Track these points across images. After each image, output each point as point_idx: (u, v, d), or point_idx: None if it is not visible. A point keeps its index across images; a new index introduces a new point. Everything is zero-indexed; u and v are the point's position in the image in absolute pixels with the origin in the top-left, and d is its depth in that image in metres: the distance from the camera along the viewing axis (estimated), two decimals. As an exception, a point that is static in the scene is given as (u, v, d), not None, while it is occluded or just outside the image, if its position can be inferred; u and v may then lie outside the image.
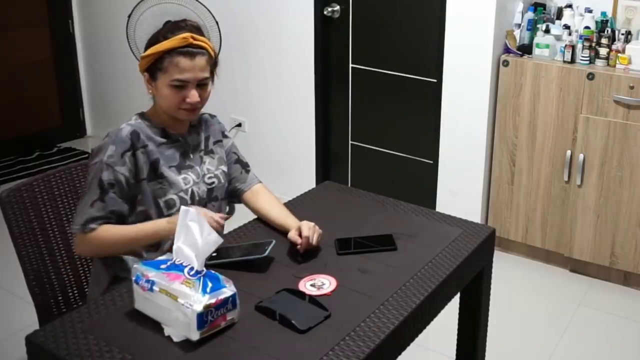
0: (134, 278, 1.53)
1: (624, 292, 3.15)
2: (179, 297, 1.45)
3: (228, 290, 1.50)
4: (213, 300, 1.45)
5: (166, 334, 1.48)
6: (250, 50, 4.00)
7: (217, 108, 4.30)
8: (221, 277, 1.53)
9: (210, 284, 1.48)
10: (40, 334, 1.49)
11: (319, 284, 1.68)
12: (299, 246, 1.82)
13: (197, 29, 1.89)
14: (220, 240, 1.55)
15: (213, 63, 1.92)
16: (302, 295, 1.62)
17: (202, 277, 1.48)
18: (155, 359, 1.42)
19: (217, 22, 3.55)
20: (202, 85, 1.87)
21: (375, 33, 3.63)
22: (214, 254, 1.78)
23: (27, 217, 1.95)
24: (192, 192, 1.92)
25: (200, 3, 3.49)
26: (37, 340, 1.47)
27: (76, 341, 1.46)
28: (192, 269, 1.50)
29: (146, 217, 1.86)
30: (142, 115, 1.93)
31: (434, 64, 3.42)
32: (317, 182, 3.82)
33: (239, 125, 4.15)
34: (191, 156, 1.96)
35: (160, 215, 1.87)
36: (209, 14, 3.52)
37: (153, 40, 1.86)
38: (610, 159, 3.01)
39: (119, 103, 4.78)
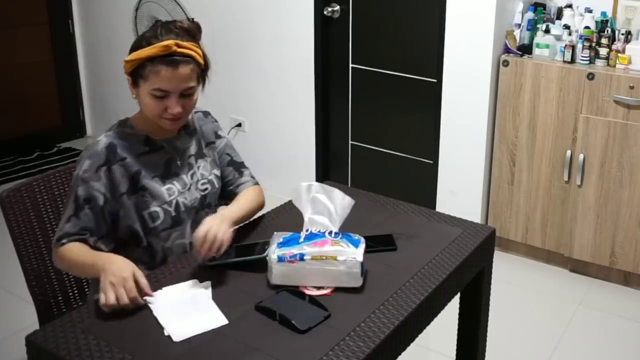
0: (275, 259, 1.62)
1: (624, 292, 3.15)
2: (337, 256, 1.62)
3: (363, 243, 1.70)
4: (363, 251, 1.67)
5: (166, 334, 1.48)
6: (250, 50, 4.00)
7: (217, 108, 4.31)
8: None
9: (354, 239, 1.69)
10: (40, 334, 1.49)
11: (319, 284, 1.69)
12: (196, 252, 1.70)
13: (187, 32, 1.80)
14: (353, 202, 1.73)
15: (202, 69, 1.83)
16: (302, 295, 1.61)
17: (343, 237, 1.68)
18: (155, 359, 1.42)
19: (190, 22, 3.49)
20: (186, 95, 1.78)
21: (375, 33, 3.63)
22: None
23: (27, 217, 1.94)
24: (177, 203, 1.85)
25: (177, 3, 3.46)
26: (37, 340, 1.47)
27: (76, 341, 1.46)
28: (330, 232, 1.68)
29: (131, 232, 1.81)
30: (124, 122, 1.86)
31: (434, 64, 3.42)
32: (317, 182, 3.81)
33: (239, 125, 4.15)
34: (178, 163, 1.88)
35: (145, 228, 1.81)
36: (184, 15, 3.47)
37: (137, 44, 1.77)
38: (610, 159, 3.01)
39: (119, 103, 4.78)
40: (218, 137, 2.02)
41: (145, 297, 1.57)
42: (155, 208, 1.81)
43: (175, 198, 1.85)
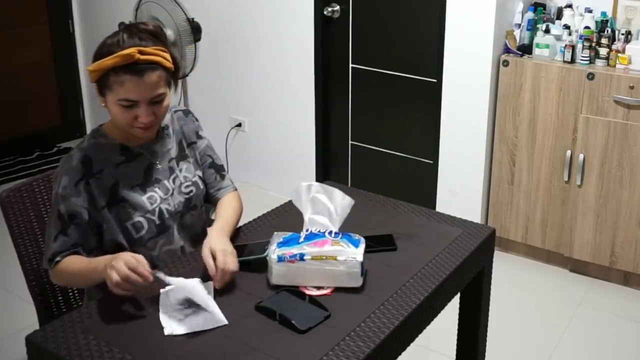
0: (275, 259, 1.62)
1: (624, 292, 3.15)
2: (337, 256, 1.62)
3: (363, 243, 1.70)
4: (363, 251, 1.66)
5: (166, 333, 1.48)
6: (251, 50, 4.00)
7: (218, 108, 4.32)
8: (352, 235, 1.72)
9: (354, 239, 1.69)
10: (40, 334, 1.49)
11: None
12: (213, 275, 1.63)
13: (153, 35, 1.72)
14: (353, 201, 1.73)
15: (172, 72, 1.75)
16: (302, 295, 1.62)
17: (343, 237, 1.68)
18: (155, 359, 1.42)
19: (191, 27, 3.46)
20: (156, 102, 1.71)
21: (375, 33, 3.63)
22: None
23: (27, 217, 1.94)
24: (160, 211, 1.81)
25: (177, 3, 3.45)
26: (37, 340, 1.47)
27: (76, 341, 1.46)
28: (330, 232, 1.68)
29: (116, 245, 1.76)
30: (97, 132, 1.80)
31: (434, 64, 3.42)
32: (317, 182, 3.81)
33: (239, 125, 4.15)
34: (159, 167, 1.83)
35: (130, 239, 1.77)
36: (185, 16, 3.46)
37: (99, 52, 1.68)
38: (610, 159, 3.01)
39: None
40: (199, 137, 1.97)
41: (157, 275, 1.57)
42: (138, 218, 1.78)
43: (157, 206, 1.81)
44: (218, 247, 1.67)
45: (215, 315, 1.54)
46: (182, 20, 3.43)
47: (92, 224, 1.75)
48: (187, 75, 3.60)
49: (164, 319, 1.52)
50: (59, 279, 1.77)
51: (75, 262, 1.71)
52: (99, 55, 1.69)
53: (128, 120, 1.71)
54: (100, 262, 1.62)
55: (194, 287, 1.59)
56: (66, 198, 1.71)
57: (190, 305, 1.58)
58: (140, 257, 1.58)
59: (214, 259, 1.65)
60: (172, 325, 1.50)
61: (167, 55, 1.73)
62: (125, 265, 1.53)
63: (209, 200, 1.99)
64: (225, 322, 1.52)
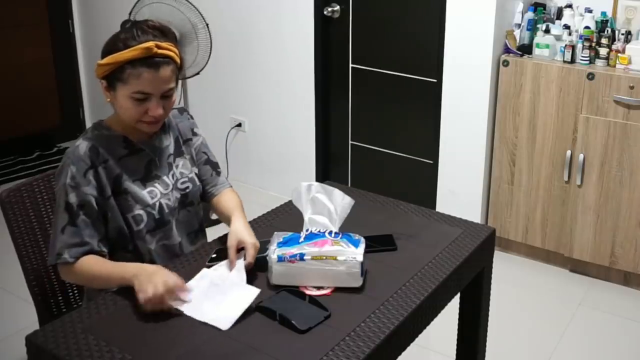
0: (275, 259, 1.63)
1: (624, 292, 3.15)
2: (337, 256, 1.62)
3: (363, 243, 1.70)
4: (363, 251, 1.66)
5: (225, 328, 1.50)
6: (251, 50, 4.00)
7: (217, 108, 4.32)
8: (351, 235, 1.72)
9: (354, 239, 1.69)
10: (40, 334, 1.49)
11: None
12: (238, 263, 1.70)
13: (161, 32, 1.75)
14: (353, 201, 1.75)
15: (178, 70, 1.78)
16: (302, 295, 1.62)
17: (343, 237, 1.68)
18: (155, 359, 1.42)
19: (207, 24, 3.51)
20: (166, 96, 1.75)
21: (375, 33, 3.63)
22: (214, 255, 1.78)
23: (27, 217, 1.94)
24: (160, 205, 1.82)
25: (191, 4, 3.46)
26: (37, 340, 1.47)
27: (76, 341, 1.46)
28: (330, 232, 1.69)
29: (119, 233, 1.78)
30: (99, 125, 1.82)
31: (434, 64, 3.42)
32: (317, 182, 3.81)
33: (239, 125, 4.15)
34: (158, 164, 1.85)
35: (130, 230, 1.79)
36: (200, 16, 3.48)
37: (111, 46, 1.71)
38: (610, 159, 3.01)
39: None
40: (194, 134, 1.99)
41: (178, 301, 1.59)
42: (138, 211, 1.79)
43: (158, 200, 1.83)
44: (248, 240, 1.73)
45: (248, 288, 1.58)
46: (194, 19, 3.44)
47: (100, 213, 1.75)
48: (198, 74, 3.60)
49: (209, 318, 1.52)
50: (72, 277, 1.76)
51: (97, 264, 1.71)
52: (112, 49, 1.71)
53: (138, 114, 1.74)
54: (130, 270, 1.63)
55: (221, 275, 1.67)
56: (75, 187, 1.71)
57: (218, 291, 1.60)
58: (178, 280, 1.60)
59: (240, 249, 1.72)
60: (222, 319, 1.51)
61: (177, 51, 1.77)
62: (162, 286, 1.55)
63: (204, 197, 2.00)
64: (258, 290, 1.57)
